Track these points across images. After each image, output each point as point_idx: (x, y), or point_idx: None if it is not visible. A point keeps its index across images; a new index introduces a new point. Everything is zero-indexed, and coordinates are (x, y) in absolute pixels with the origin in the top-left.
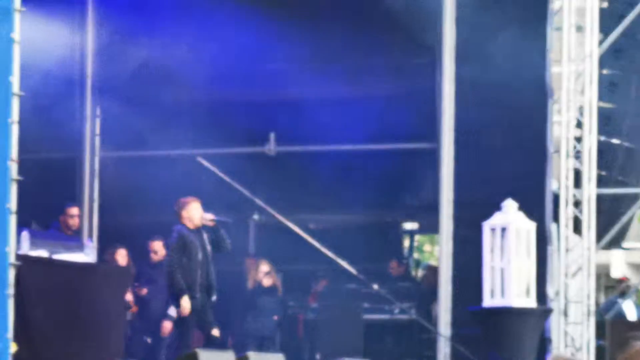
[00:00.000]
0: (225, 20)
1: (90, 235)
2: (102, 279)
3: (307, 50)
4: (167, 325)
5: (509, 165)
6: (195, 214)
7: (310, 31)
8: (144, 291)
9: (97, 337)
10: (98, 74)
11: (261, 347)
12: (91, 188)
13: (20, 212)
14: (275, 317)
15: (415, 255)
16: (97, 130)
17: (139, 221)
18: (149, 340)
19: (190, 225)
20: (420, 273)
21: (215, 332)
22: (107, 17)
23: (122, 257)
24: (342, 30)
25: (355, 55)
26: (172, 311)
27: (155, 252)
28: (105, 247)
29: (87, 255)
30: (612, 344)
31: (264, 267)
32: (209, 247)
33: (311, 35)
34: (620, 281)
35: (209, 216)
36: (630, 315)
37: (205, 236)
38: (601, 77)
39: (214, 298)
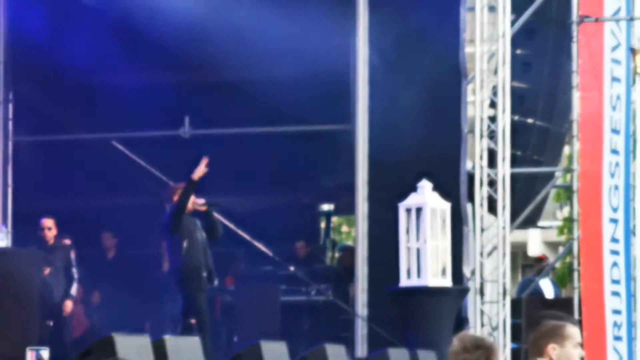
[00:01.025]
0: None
1: (5, 221)
2: (15, 264)
3: (224, 32)
4: (68, 305)
5: (423, 145)
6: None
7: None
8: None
9: (10, 322)
10: (10, 57)
11: (177, 329)
12: (5, 173)
13: None
14: None
15: (333, 236)
16: (10, 115)
17: (54, 206)
18: (50, 323)
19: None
20: (337, 254)
21: (193, 320)
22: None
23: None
24: (257, 10)
25: (271, 36)
26: (73, 290)
27: (49, 229)
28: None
29: (1, 240)
30: (528, 323)
31: None
32: (202, 233)
33: (226, 17)
34: (538, 260)
35: (201, 201)
36: (548, 293)
37: (197, 222)
38: (514, 57)
39: (215, 283)
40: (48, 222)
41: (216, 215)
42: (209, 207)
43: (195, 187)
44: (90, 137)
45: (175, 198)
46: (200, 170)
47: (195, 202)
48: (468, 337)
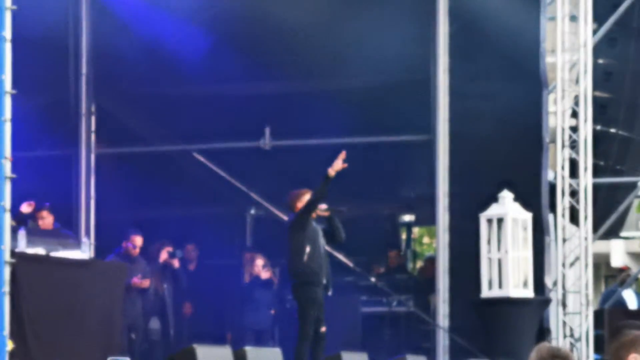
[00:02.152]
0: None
1: (87, 233)
2: (98, 276)
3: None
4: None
5: (504, 156)
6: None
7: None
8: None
9: (93, 333)
10: (93, 71)
11: (259, 340)
12: (87, 185)
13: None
14: (272, 311)
15: (414, 247)
16: (93, 127)
17: (136, 218)
18: (133, 336)
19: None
20: (419, 265)
21: (323, 329)
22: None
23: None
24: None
25: (351, 46)
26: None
27: (134, 247)
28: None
29: (83, 252)
30: (611, 334)
31: (260, 260)
32: (324, 241)
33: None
34: (621, 270)
35: (323, 206)
36: (631, 304)
37: (320, 229)
38: (596, 67)
39: (329, 293)
40: (137, 240)
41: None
42: (331, 212)
43: (329, 184)
44: (171, 149)
45: (298, 204)
46: (338, 165)
47: (319, 207)
48: (545, 348)
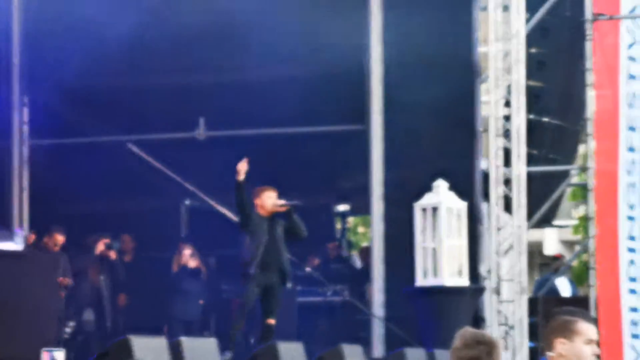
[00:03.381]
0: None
1: (21, 224)
2: (32, 267)
3: (238, 32)
4: None
5: (438, 145)
6: (267, 201)
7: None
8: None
9: (28, 324)
10: (25, 61)
11: (188, 331)
12: (20, 177)
13: None
14: (201, 301)
15: (349, 237)
16: (25, 119)
17: (70, 209)
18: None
19: (263, 213)
20: (354, 254)
21: (271, 321)
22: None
23: (127, 243)
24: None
25: (284, 37)
26: None
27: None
28: (42, 233)
29: (17, 243)
30: (545, 321)
31: (187, 250)
32: (280, 234)
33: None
34: (555, 258)
35: (279, 202)
36: (564, 291)
37: (278, 223)
38: (529, 56)
39: (288, 285)
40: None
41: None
42: (288, 208)
43: (243, 188)
44: (105, 140)
45: (255, 199)
46: (242, 167)
47: (276, 203)
48: (469, 333)
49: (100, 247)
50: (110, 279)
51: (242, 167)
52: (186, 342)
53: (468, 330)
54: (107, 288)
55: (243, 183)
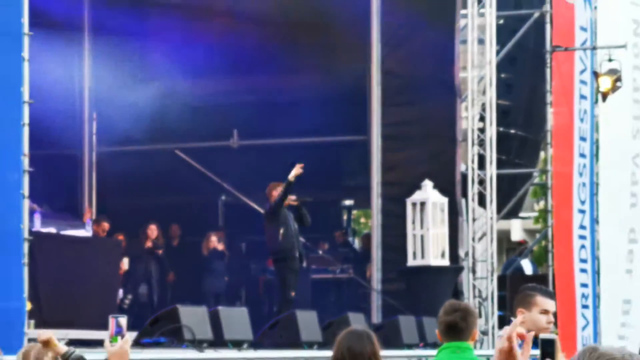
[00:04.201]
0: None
1: (90, 216)
2: (99, 250)
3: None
4: None
5: (426, 152)
6: (278, 192)
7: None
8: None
9: (94, 297)
10: (94, 86)
11: (217, 302)
12: (90, 178)
13: (33, 197)
14: (226, 278)
15: (353, 226)
16: (94, 130)
17: (129, 204)
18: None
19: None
20: (357, 240)
21: (292, 293)
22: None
23: (152, 230)
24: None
25: (299, 64)
26: None
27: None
28: (121, 226)
29: (87, 231)
30: (512, 294)
31: (214, 236)
32: (295, 223)
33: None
34: (519, 244)
35: (292, 197)
36: (527, 270)
37: (291, 214)
38: (499, 80)
39: (304, 264)
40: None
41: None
42: (299, 202)
43: (292, 185)
44: (157, 148)
45: (273, 193)
46: (296, 171)
47: (290, 198)
48: (448, 303)
49: (148, 244)
50: (157, 263)
51: (298, 170)
52: (222, 311)
53: (449, 301)
54: (156, 269)
55: (293, 182)
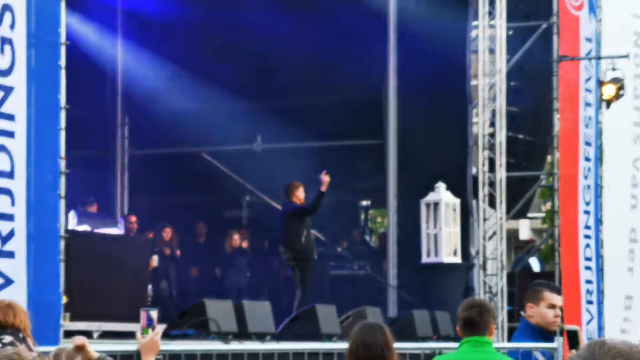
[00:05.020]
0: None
1: (122, 214)
2: (130, 247)
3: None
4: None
5: (439, 155)
6: (302, 194)
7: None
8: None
9: (125, 291)
10: (125, 92)
11: (239, 297)
12: (122, 178)
13: (69, 196)
14: (248, 274)
15: (370, 225)
16: (126, 134)
17: (159, 203)
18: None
19: (298, 202)
20: (374, 239)
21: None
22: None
23: (167, 233)
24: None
25: (321, 72)
26: None
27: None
28: (152, 224)
29: (119, 229)
30: (520, 291)
31: (236, 235)
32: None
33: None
34: (527, 242)
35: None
36: (535, 268)
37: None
38: (509, 88)
39: (315, 257)
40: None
41: None
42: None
43: (324, 195)
44: (186, 151)
45: (296, 193)
46: (326, 179)
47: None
48: (466, 300)
49: (165, 249)
50: (174, 263)
51: (326, 179)
52: (247, 304)
53: (468, 298)
54: (172, 268)
55: (325, 193)
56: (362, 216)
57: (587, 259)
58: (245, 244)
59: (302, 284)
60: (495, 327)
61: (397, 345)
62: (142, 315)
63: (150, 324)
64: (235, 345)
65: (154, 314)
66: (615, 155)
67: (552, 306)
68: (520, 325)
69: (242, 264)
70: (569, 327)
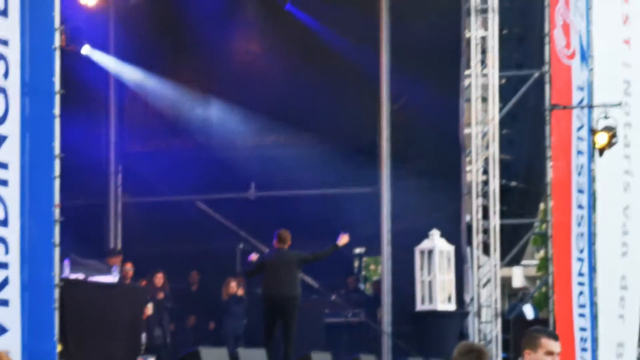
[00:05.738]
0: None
1: (116, 262)
2: (124, 295)
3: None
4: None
5: (433, 203)
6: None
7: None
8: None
9: (120, 339)
10: (119, 139)
11: (236, 344)
12: (115, 225)
13: (63, 244)
14: (244, 321)
15: (364, 272)
16: (119, 182)
17: (152, 250)
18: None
19: (284, 246)
20: (368, 286)
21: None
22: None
23: (158, 279)
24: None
25: (315, 121)
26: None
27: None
28: (145, 272)
29: (113, 277)
30: (515, 338)
31: (233, 282)
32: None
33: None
34: (521, 290)
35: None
36: (529, 315)
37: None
38: (502, 136)
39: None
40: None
41: None
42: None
43: (336, 249)
44: (180, 199)
45: (288, 242)
46: (344, 240)
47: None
48: (462, 344)
49: (159, 294)
50: (166, 310)
51: (345, 239)
52: (242, 352)
53: (462, 342)
54: (165, 315)
55: (339, 248)
56: (357, 264)
57: (581, 306)
58: (241, 292)
59: (293, 329)
60: None
61: None
62: None
63: None
64: None
65: None
66: (607, 203)
67: (550, 353)
68: None
69: (239, 311)
70: None
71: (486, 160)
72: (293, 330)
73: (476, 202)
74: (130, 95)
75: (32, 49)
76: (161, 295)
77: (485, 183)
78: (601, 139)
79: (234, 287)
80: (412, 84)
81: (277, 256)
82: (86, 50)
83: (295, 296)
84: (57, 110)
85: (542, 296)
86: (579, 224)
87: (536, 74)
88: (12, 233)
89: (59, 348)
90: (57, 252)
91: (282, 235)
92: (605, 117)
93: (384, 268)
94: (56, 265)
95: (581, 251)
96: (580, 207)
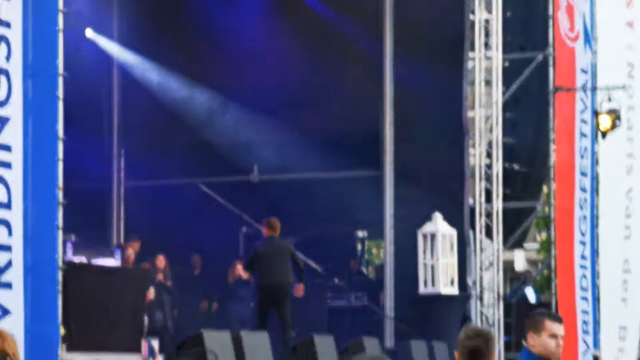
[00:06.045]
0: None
1: (119, 245)
2: (126, 278)
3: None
4: None
5: (436, 186)
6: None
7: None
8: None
9: (122, 322)
10: (122, 121)
11: (243, 327)
12: (118, 210)
13: (66, 227)
14: (252, 304)
15: (367, 256)
16: (122, 166)
17: (155, 233)
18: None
19: (276, 234)
20: (371, 270)
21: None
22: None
23: (160, 261)
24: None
25: (318, 108)
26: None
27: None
28: (147, 256)
29: (116, 260)
30: (517, 321)
31: (240, 265)
32: None
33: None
34: (523, 273)
35: None
36: (531, 298)
37: None
38: (505, 119)
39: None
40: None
41: None
42: None
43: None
44: (182, 182)
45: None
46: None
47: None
48: (471, 328)
49: (159, 276)
50: (167, 293)
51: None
52: (245, 335)
53: (470, 326)
54: (167, 299)
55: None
56: (359, 247)
57: (583, 289)
58: (246, 275)
59: (291, 314)
60: (496, 356)
61: None
62: (144, 345)
63: (151, 354)
64: None
65: (155, 343)
66: (610, 186)
67: (554, 335)
68: (523, 355)
69: (246, 294)
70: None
71: (489, 144)
72: (289, 315)
73: (479, 186)
74: (133, 80)
75: (35, 31)
76: (161, 276)
77: (489, 166)
78: (604, 121)
79: (240, 270)
80: (416, 67)
81: (270, 245)
82: (89, 34)
83: (289, 283)
84: (60, 93)
85: (544, 279)
86: (582, 207)
87: (540, 57)
88: (16, 215)
89: (62, 331)
90: (60, 234)
91: (272, 223)
92: (609, 100)
93: (386, 251)
94: (59, 248)
95: (584, 234)
96: (583, 190)
